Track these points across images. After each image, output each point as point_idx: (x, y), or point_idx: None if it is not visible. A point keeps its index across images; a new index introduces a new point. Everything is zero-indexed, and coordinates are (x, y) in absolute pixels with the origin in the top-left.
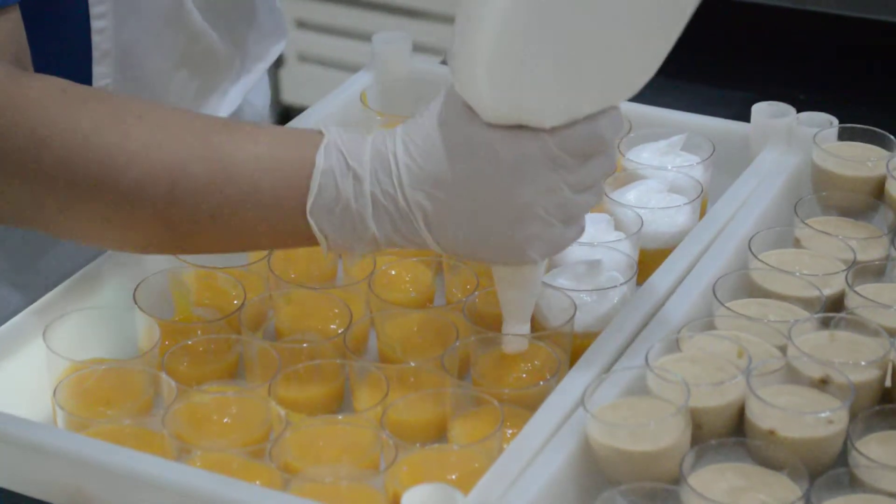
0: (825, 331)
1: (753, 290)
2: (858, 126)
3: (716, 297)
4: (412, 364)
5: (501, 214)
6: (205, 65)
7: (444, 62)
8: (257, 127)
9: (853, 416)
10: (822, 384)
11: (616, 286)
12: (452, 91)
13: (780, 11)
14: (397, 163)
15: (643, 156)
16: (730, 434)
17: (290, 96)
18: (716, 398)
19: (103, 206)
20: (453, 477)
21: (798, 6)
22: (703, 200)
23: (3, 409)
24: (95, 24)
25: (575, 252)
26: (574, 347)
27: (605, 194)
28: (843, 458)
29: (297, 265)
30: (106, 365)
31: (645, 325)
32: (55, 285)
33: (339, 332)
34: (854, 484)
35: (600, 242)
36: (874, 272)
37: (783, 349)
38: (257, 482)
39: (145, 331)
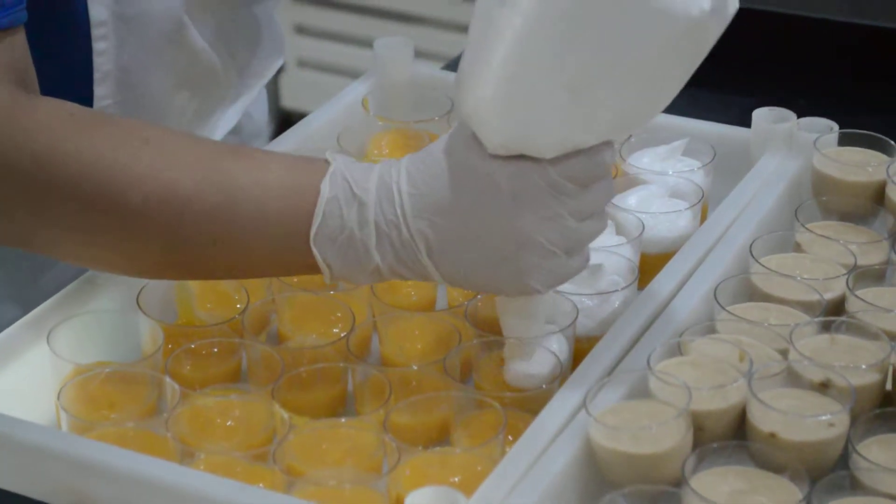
0: (826, 334)
1: (754, 294)
2: (858, 131)
3: (717, 301)
4: (414, 367)
5: (502, 243)
6: (204, 84)
7: (445, 68)
8: (265, 154)
9: (854, 419)
10: (823, 387)
11: (617, 290)
12: (462, 122)
13: (780, 17)
14: (400, 191)
15: (644, 161)
16: (731, 437)
17: (290, 102)
18: (717, 401)
19: (109, 230)
20: (456, 480)
21: (799, 12)
22: (704, 205)
23: (7, 412)
24: (97, 46)
25: None
26: (576, 351)
27: None
28: (844, 461)
29: None
30: (110, 368)
31: (646, 329)
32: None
33: (342, 335)
34: (855, 487)
35: (602, 247)
36: (875, 276)
37: (784, 353)
38: (260, 485)
39: (149, 334)
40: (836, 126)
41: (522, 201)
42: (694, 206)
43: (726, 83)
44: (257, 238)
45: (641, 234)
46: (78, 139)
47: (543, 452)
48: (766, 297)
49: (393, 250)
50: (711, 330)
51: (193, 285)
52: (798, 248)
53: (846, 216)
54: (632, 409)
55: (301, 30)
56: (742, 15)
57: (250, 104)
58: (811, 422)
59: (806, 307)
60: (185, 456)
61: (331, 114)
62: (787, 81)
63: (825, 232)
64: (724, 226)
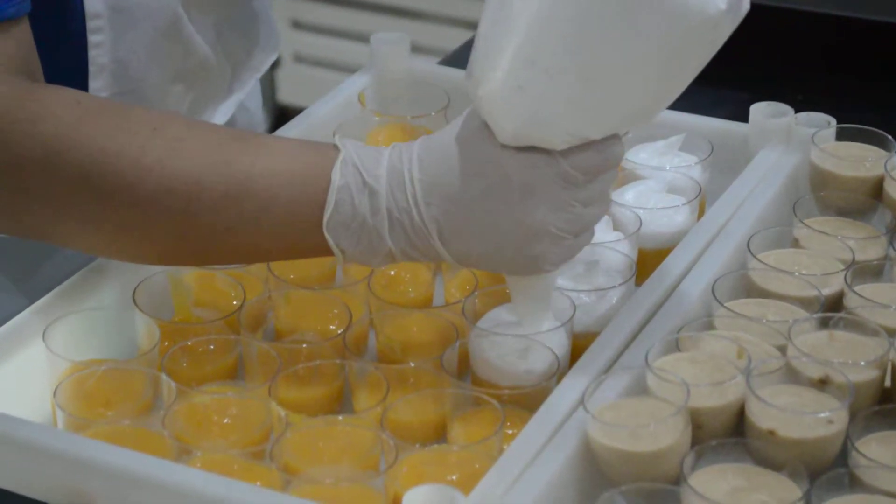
0: (824, 331)
1: (752, 291)
2: (856, 126)
3: (715, 297)
4: (412, 364)
5: (513, 232)
6: (200, 78)
7: (442, 63)
8: (274, 140)
9: (853, 416)
10: (822, 384)
11: (615, 286)
12: (474, 110)
13: (778, 12)
14: (413, 178)
15: (641, 156)
16: (730, 434)
17: (286, 97)
18: (715, 398)
19: (119, 218)
20: (453, 478)
21: (796, 6)
22: (702, 201)
23: (3, 409)
24: (92, 38)
25: None
26: (573, 348)
27: None
28: (842, 458)
29: (297, 266)
30: (106, 366)
31: (644, 325)
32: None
33: (339, 332)
34: (854, 484)
35: (599, 243)
36: (873, 272)
37: (782, 349)
38: (257, 483)
39: (145, 331)
40: (833, 121)
41: (534, 192)
42: (691, 201)
43: (724, 78)
44: (269, 225)
45: (639, 229)
46: (85, 128)
47: (541, 450)
48: (765, 293)
49: (405, 236)
50: (709, 326)
51: (189, 282)
52: (796, 243)
53: (844, 211)
54: (630, 407)
55: (297, 25)
56: None
57: (244, 98)
58: (810, 419)
59: (804, 303)
60: (182, 454)
61: (327, 109)
62: (785, 76)
63: (823, 227)
64: (721, 221)
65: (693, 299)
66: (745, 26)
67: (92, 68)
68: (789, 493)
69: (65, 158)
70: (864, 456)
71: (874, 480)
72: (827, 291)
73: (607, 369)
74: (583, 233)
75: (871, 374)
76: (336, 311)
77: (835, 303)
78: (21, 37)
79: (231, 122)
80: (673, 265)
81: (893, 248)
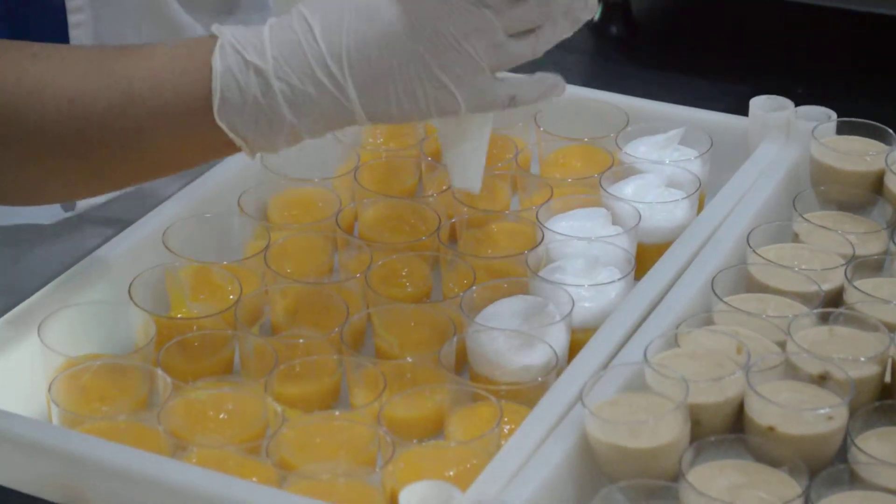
0: (824, 326)
1: (752, 285)
2: (857, 120)
3: (714, 292)
4: (409, 360)
5: (429, 50)
6: None
7: None
8: (153, 45)
9: (853, 412)
10: (822, 380)
11: (614, 281)
12: None
13: (777, 5)
14: (314, 35)
15: (641, 150)
16: (729, 430)
17: None
18: (715, 394)
19: (21, 150)
20: (451, 473)
21: (797, 0)
22: (701, 195)
23: None
24: (73, 18)
25: (572, 247)
26: (572, 343)
27: (603, 188)
28: (842, 454)
29: (294, 260)
30: (101, 361)
31: (643, 320)
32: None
33: (336, 327)
34: (854, 480)
35: (598, 237)
36: (873, 267)
37: (782, 345)
38: (254, 479)
39: (141, 326)
40: (834, 115)
41: (450, 6)
42: (691, 195)
43: (723, 71)
44: (164, 128)
45: (638, 223)
46: None
47: (539, 446)
48: (764, 288)
49: (307, 105)
50: (709, 321)
51: (185, 276)
52: (796, 238)
53: (844, 206)
54: (628, 402)
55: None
56: (740, 3)
57: None
58: (810, 415)
59: (804, 298)
60: (177, 449)
61: None
62: (785, 69)
63: (823, 222)
64: (721, 215)
65: (692, 294)
66: (745, 19)
67: None
68: (789, 490)
69: None
70: (863, 452)
71: (874, 477)
72: (827, 286)
73: (606, 365)
74: (501, 69)
75: (871, 370)
76: (333, 305)
77: (835, 298)
78: None
79: None
80: (672, 260)
81: (894, 242)
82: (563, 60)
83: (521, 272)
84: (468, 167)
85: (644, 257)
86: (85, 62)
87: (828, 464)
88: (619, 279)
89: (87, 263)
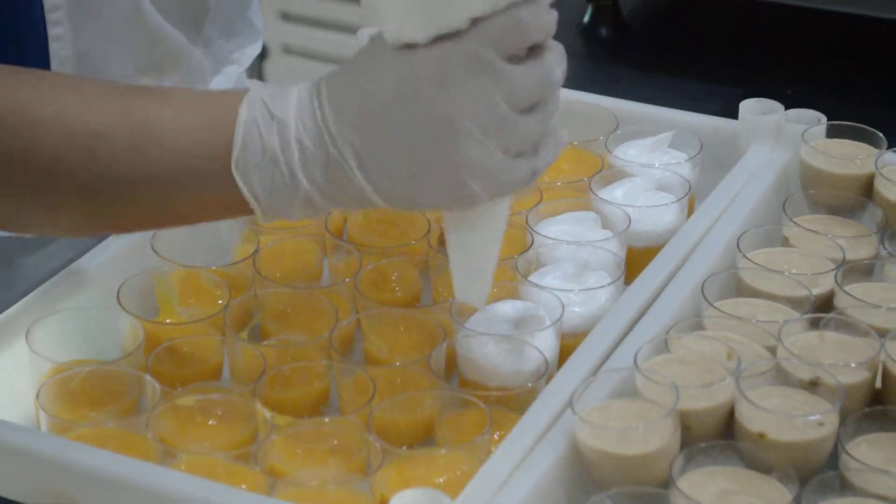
0: (815, 331)
1: (742, 290)
2: (847, 123)
3: (704, 297)
4: (398, 365)
5: (429, 133)
6: (171, 68)
7: None
8: (179, 89)
9: (843, 418)
10: (812, 386)
11: (603, 286)
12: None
13: (767, 6)
14: (321, 101)
15: (630, 153)
16: (719, 436)
17: None
18: (705, 400)
19: (24, 179)
20: (440, 480)
21: (786, 1)
22: (691, 198)
23: None
24: (52, 31)
25: (562, 251)
26: (562, 348)
27: (592, 191)
28: (833, 461)
29: (283, 264)
30: (89, 367)
31: (633, 325)
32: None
33: (325, 332)
34: (844, 487)
35: (587, 241)
36: (863, 271)
37: (772, 350)
38: (242, 486)
39: (129, 332)
40: (824, 118)
41: (444, 82)
42: (681, 199)
43: (713, 73)
44: (178, 175)
45: (628, 227)
46: None
47: (529, 452)
48: (754, 293)
49: (321, 169)
50: (699, 326)
51: (174, 281)
52: (786, 242)
53: (834, 209)
54: (619, 409)
55: (286, 16)
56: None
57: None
58: (800, 421)
59: (794, 303)
60: (166, 456)
61: None
62: (775, 72)
63: (813, 226)
64: (711, 219)
65: (682, 299)
66: (735, 21)
67: (54, 61)
68: (779, 497)
69: None
70: (854, 459)
71: (865, 483)
72: (817, 291)
73: (596, 370)
74: (519, 151)
75: (861, 376)
76: (322, 310)
77: (825, 302)
78: None
79: None
80: (662, 264)
81: (884, 246)
82: None
83: (510, 277)
84: (474, 280)
85: (634, 261)
86: (106, 97)
87: (818, 470)
88: (609, 284)
89: (75, 269)
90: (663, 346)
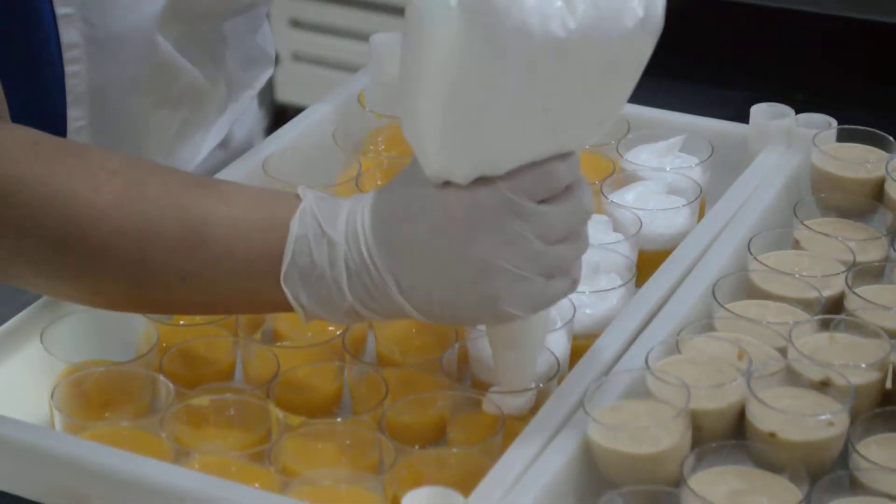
0: (825, 333)
1: (753, 292)
2: (857, 127)
3: (715, 298)
4: (411, 366)
5: (466, 270)
6: (187, 101)
7: None
8: (234, 186)
9: (853, 418)
10: (823, 386)
11: (615, 288)
12: None
13: (778, 12)
14: (364, 228)
15: (642, 157)
16: (730, 436)
17: (285, 96)
18: (716, 400)
19: (71, 263)
20: (453, 480)
21: (797, 7)
22: (702, 202)
23: (0, 411)
24: (69, 68)
25: None
26: (573, 350)
27: (604, 195)
28: (843, 460)
29: None
30: (104, 367)
31: (644, 327)
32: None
33: (338, 333)
34: (854, 487)
35: (599, 244)
36: (874, 274)
37: (783, 351)
38: (256, 485)
39: (143, 333)
40: (834, 122)
41: (477, 224)
42: (692, 202)
43: (724, 78)
44: (225, 276)
45: (639, 230)
46: (40, 169)
47: (541, 452)
48: (765, 295)
49: (365, 289)
50: (710, 328)
51: None
52: (797, 244)
53: (845, 213)
54: (630, 409)
55: (297, 23)
56: (740, 10)
57: (240, 116)
58: (811, 421)
59: (805, 305)
60: (180, 455)
61: (327, 109)
62: (786, 76)
63: (824, 229)
64: (722, 223)
65: (693, 301)
66: (746, 26)
67: (70, 97)
68: (789, 496)
69: (16, 200)
70: (864, 458)
71: (875, 483)
72: (827, 293)
73: (607, 371)
74: (556, 274)
75: (871, 377)
76: None
77: (835, 304)
78: None
79: (225, 144)
80: (673, 267)
81: (894, 249)
82: None
83: None
84: (520, 373)
85: (645, 264)
86: (163, 191)
87: (828, 470)
88: (621, 286)
89: None
90: (674, 348)
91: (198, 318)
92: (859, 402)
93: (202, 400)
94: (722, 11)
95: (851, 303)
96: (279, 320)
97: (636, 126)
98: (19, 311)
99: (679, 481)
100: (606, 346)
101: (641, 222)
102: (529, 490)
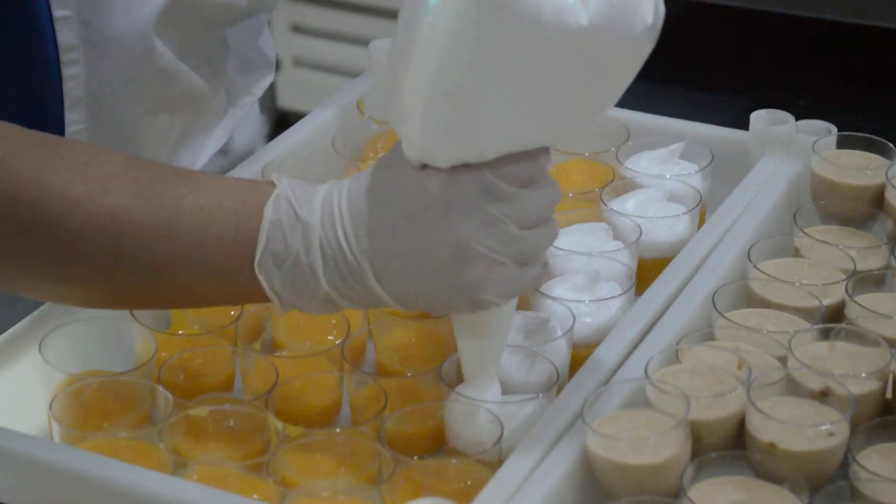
0: (825, 342)
1: (753, 300)
2: (857, 134)
3: (715, 307)
4: (410, 375)
5: (443, 254)
6: (187, 106)
7: None
8: (207, 177)
9: (854, 428)
10: (823, 396)
11: (614, 296)
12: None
13: (778, 18)
14: (341, 210)
15: (641, 164)
16: (730, 446)
17: (286, 101)
18: (716, 410)
19: (49, 256)
20: (452, 490)
21: (797, 13)
22: (702, 209)
23: None
24: (66, 71)
25: (573, 262)
26: (573, 359)
27: (604, 203)
28: (843, 470)
29: None
30: (102, 377)
31: (644, 336)
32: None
33: (337, 343)
34: (855, 497)
35: (598, 252)
36: (874, 282)
37: (783, 360)
38: (254, 496)
39: (142, 343)
40: (834, 129)
41: (456, 206)
42: (692, 210)
43: (724, 84)
44: (199, 265)
45: (639, 238)
46: (13, 160)
47: (540, 462)
48: (765, 303)
49: (340, 275)
50: (710, 337)
51: None
52: (797, 252)
53: (845, 220)
54: (629, 419)
55: (297, 28)
56: (741, 15)
57: (240, 122)
58: (811, 431)
59: (805, 313)
60: (178, 466)
61: (326, 115)
62: (786, 83)
63: (824, 236)
64: (722, 230)
65: (693, 310)
66: (746, 32)
67: (67, 100)
68: None
69: None
70: (864, 469)
71: (875, 493)
72: (828, 301)
73: (607, 381)
74: (530, 261)
75: (872, 386)
76: (334, 321)
77: (836, 313)
78: None
79: (225, 150)
80: (673, 275)
81: (895, 257)
82: None
83: None
84: (484, 364)
85: (645, 272)
86: (136, 181)
87: (829, 480)
88: (620, 294)
89: None
90: (674, 357)
91: (196, 328)
92: (860, 411)
93: (201, 410)
94: (721, 18)
95: (852, 311)
96: (278, 330)
97: (636, 133)
98: (17, 320)
99: (679, 492)
100: (606, 356)
101: (641, 230)
102: (528, 501)
